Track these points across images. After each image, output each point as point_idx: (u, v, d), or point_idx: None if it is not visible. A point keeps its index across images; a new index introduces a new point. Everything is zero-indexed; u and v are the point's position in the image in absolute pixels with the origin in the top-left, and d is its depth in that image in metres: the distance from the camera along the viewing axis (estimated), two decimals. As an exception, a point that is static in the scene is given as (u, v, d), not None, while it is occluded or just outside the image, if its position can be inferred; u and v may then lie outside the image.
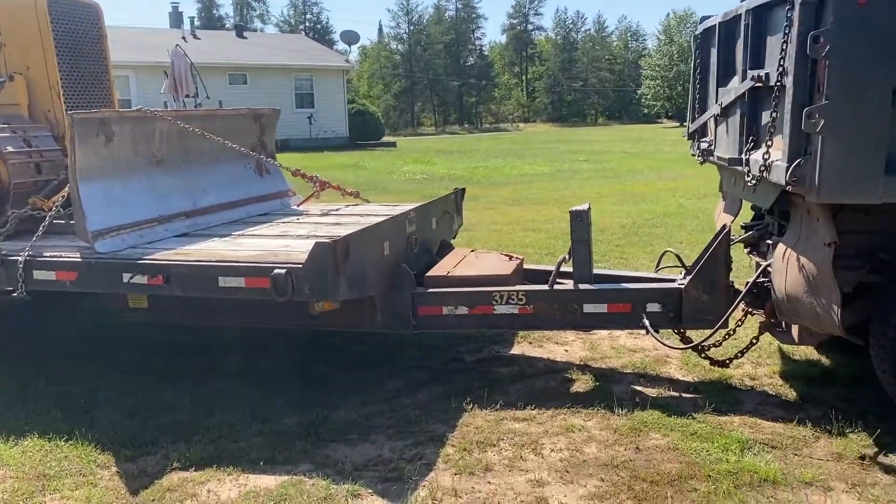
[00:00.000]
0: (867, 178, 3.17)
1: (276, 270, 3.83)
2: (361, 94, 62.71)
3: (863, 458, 3.49)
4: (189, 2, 78.69)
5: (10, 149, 4.88)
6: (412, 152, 27.98)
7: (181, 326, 5.39)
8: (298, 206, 6.29)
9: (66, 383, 4.68)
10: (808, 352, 4.89)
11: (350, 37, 32.29)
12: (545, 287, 4.37)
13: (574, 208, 4.42)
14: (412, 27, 79.39)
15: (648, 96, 67.58)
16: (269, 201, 6.14)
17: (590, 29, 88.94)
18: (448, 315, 4.44)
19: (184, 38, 29.73)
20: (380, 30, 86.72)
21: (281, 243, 4.56)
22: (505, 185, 15.53)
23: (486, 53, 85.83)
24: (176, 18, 36.72)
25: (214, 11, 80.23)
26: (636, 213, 11.02)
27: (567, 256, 4.47)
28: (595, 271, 4.48)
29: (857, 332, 3.75)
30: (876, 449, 3.56)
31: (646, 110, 70.24)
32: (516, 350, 5.21)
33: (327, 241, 3.79)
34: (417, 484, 3.36)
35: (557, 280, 4.39)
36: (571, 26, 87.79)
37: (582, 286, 4.37)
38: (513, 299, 4.37)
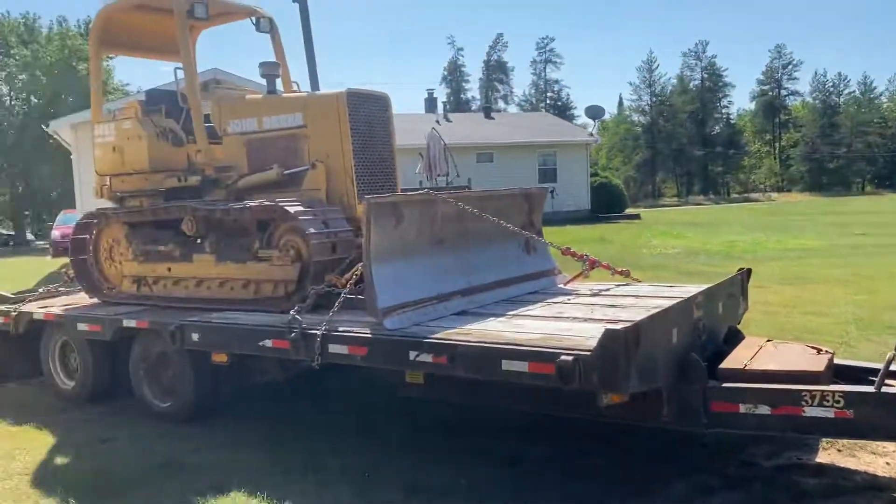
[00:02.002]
0: None
1: (563, 357, 3.66)
2: (601, 166, 62.79)
3: None
4: (441, 87, 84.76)
5: (311, 230, 5.32)
6: (658, 224, 27.06)
7: (452, 404, 5.42)
8: (565, 284, 6.15)
9: (348, 455, 4.86)
10: None
11: (595, 111, 32.52)
12: (870, 389, 3.74)
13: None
14: (654, 99, 78.40)
15: (931, 160, 59.80)
16: (535, 280, 6.08)
17: (854, 91, 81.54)
18: (746, 414, 3.94)
19: (437, 121, 31.80)
20: (620, 103, 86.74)
21: (560, 326, 4.40)
22: (771, 261, 14.26)
23: (733, 122, 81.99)
24: (431, 104, 39.61)
25: (462, 95, 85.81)
26: (947, 297, 9.45)
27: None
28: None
29: None
30: None
31: (927, 176, 62.13)
32: (822, 458, 4.52)
33: (618, 327, 3.56)
34: None
35: (885, 381, 3.74)
36: (832, 89, 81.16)
37: (919, 390, 3.68)
38: (827, 401, 3.78)
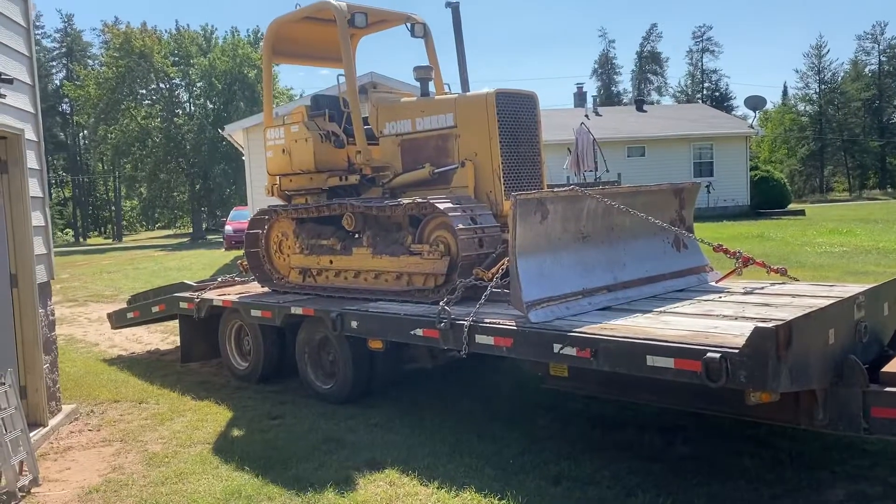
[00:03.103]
0: None
1: (710, 354, 3.65)
2: (762, 159, 59.14)
3: None
4: (591, 81, 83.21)
5: (460, 226, 5.56)
6: (825, 221, 25.21)
7: (597, 398, 5.48)
8: (717, 282, 6.01)
9: (493, 442, 5.05)
10: None
11: (756, 102, 30.77)
12: None
13: None
14: (824, 86, 72.80)
15: None
16: (685, 276, 5.98)
17: None
18: (912, 421, 3.75)
19: (587, 115, 31.37)
20: (784, 92, 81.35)
21: (708, 323, 4.35)
22: (955, 262, 13.00)
23: (916, 107, 74.44)
24: (580, 98, 39.07)
25: (613, 88, 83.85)
26: None
27: None
28: None
29: None
30: None
31: None
32: None
33: (769, 325, 3.50)
34: None
35: None
36: None
37: None
38: None
